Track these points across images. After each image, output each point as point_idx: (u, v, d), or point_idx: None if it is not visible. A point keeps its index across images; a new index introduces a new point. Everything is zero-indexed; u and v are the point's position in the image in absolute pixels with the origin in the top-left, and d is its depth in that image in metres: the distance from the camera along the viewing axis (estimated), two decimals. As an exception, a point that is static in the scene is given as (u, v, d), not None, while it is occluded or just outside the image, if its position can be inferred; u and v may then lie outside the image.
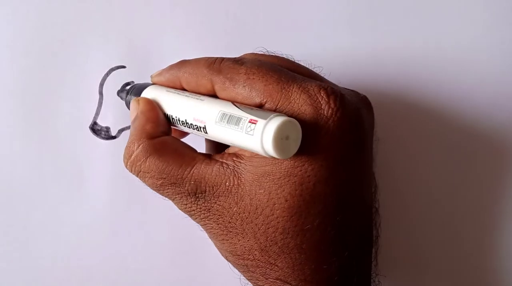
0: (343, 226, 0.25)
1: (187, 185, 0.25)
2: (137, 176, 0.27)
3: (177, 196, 0.26)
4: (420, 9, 0.34)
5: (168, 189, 0.26)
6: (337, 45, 0.35)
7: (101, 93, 0.35)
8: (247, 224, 0.25)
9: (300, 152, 0.23)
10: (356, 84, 0.31)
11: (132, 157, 0.26)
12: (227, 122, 0.24)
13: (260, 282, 0.26)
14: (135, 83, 0.35)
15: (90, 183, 0.35)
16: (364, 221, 0.27)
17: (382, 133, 0.33)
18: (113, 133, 0.35)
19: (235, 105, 0.24)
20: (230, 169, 0.25)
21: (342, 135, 0.24)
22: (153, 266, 0.35)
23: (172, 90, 0.28)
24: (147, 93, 0.29)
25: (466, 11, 0.34)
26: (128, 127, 0.35)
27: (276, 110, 0.23)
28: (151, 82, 0.30)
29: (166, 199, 0.27)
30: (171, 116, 0.27)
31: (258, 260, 0.25)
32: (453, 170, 0.34)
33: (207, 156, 0.26)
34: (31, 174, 0.35)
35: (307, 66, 0.28)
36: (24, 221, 0.35)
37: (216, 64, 0.26)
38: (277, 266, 0.25)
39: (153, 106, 0.28)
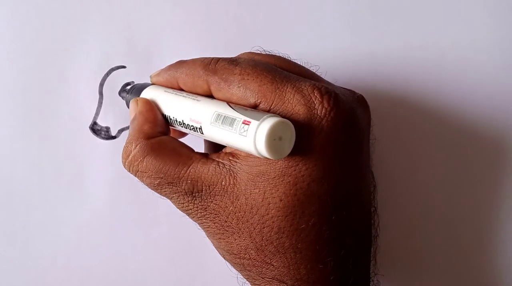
0: (339, 225, 0.25)
1: (183, 184, 0.25)
2: (135, 175, 0.27)
3: (174, 195, 0.26)
4: (419, 8, 0.34)
5: (165, 188, 0.26)
6: (336, 45, 0.35)
7: (101, 93, 0.35)
8: (242, 223, 0.25)
9: (295, 152, 0.23)
10: (353, 84, 0.31)
11: (130, 156, 0.27)
12: (221, 123, 0.24)
13: (256, 281, 0.26)
14: (135, 83, 0.35)
15: (90, 183, 0.35)
16: (361, 221, 0.27)
17: (380, 132, 0.33)
18: (113, 133, 0.35)
19: (229, 106, 0.24)
20: (226, 168, 0.25)
21: (336, 135, 0.24)
22: (153, 266, 0.35)
23: (170, 90, 0.28)
24: (146, 94, 0.29)
25: (466, 11, 0.34)
26: (128, 127, 0.35)
27: (270, 111, 0.24)
28: (150, 83, 0.30)
29: (165, 198, 0.27)
30: (169, 116, 0.27)
31: (254, 260, 0.25)
32: (452, 169, 0.34)
33: (203, 155, 0.26)
34: (31, 174, 0.35)
35: (303, 65, 0.28)
36: (24, 221, 0.35)
37: (211, 65, 0.26)
38: (272, 265, 0.25)
39: (151, 107, 0.28)
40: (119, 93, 0.35)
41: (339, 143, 0.24)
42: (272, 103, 0.24)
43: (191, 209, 0.26)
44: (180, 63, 0.28)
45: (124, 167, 0.27)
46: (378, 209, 0.29)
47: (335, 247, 0.25)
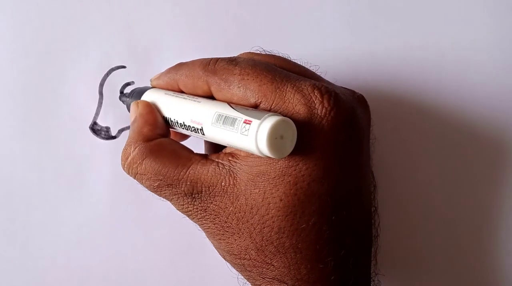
0: (339, 225, 0.25)
1: (183, 185, 0.25)
2: (134, 178, 0.27)
3: (174, 197, 0.26)
4: (419, 8, 0.34)
5: (165, 190, 0.26)
6: (336, 45, 0.35)
7: (101, 93, 0.35)
8: (242, 223, 0.25)
9: (295, 152, 0.23)
10: (353, 83, 0.31)
11: (129, 159, 0.27)
12: (222, 123, 0.24)
13: (257, 281, 0.26)
14: (135, 84, 0.35)
15: (90, 183, 0.35)
16: (362, 221, 0.27)
17: (380, 132, 0.33)
18: (113, 133, 0.35)
19: (230, 106, 0.24)
20: (225, 169, 0.25)
21: (337, 135, 0.24)
22: (153, 266, 0.35)
23: (171, 93, 0.28)
24: (147, 97, 0.29)
25: (466, 11, 0.34)
26: (128, 128, 0.35)
27: (271, 110, 0.24)
28: (150, 86, 0.30)
29: (164, 200, 0.27)
30: (170, 118, 0.27)
31: (255, 260, 0.25)
32: (452, 169, 0.34)
33: (203, 156, 0.26)
34: (31, 174, 0.35)
35: (303, 65, 0.28)
36: (24, 221, 0.35)
37: (211, 66, 0.26)
38: (273, 265, 0.25)
39: (152, 109, 0.28)
40: (120, 97, 0.35)
41: (339, 142, 0.24)
42: (273, 103, 0.24)
43: (191, 210, 0.26)
44: (180, 65, 0.28)
45: (123, 169, 0.27)
46: (378, 208, 0.29)
47: (335, 247, 0.25)
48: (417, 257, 0.35)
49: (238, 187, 0.24)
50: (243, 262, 0.26)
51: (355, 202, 0.26)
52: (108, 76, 0.35)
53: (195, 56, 0.28)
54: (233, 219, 0.25)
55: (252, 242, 0.25)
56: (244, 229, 0.25)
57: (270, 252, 0.25)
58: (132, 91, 0.31)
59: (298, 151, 0.23)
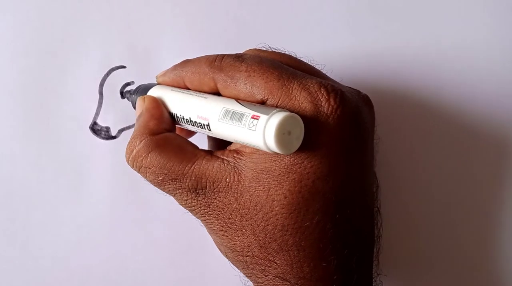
0: (342, 224, 0.25)
1: (187, 180, 0.25)
2: (138, 171, 0.27)
3: (177, 192, 0.26)
4: (419, 8, 0.34)
5: (168, 184, 0.26)
6: (336, 44, 0.35)
7: (101, 93, 0.35)
8: (246, 220, 0.25)
9: (300, 149, 0.23)
10: (357, 83, 0.31)
11: (134, 152, 0.26)
12: (230, 119, 0.24)
13: (259, 279, 0.26)
14: (135, 84, 0.35)
15: (90, 183, 0.35)
16: (365, 220, 0.27)
17: (383, 132, 0.33)
18: (113, 133, 0.35)
19: (238, 102, 0.24)
20: (230, 165, 0.25)
21: (342, 133, 0.24)
22: (153, 266, 0.35)
23: (177, 89, 0.28)
24: (153, 93, 0.29)
25: (466, 10, 0.34)
26: (128, 128, 0.35)
27: (277, 107, 0.23)
28: (156, 83, 0.30)
29: (167, 195, 0.27)
30: (176, 114, 0.27)
31: (257, 257, 0.25)
32: (455, 169, 0.34)
33: (208, 152, 0.26)
34: (31, 174, 0.35)
35: (309, 63, 0.28)
36: (24, 221, 0.35)
37: (217, 62, 0.26)
38: (276, 263, 0.25)
39: (158, 104, 0.28)
40: (125, 94, 0.35)
41: (344, 141, 0.24)
42: (279, 100, 0.24)
43: (194, 206, 0.26)
44: (186, 62, 0.28)
45: (128, 162, 0.27)
46: (380, 209, 0.29)
47: (339, 245, 0.25)
48: (419, 258, 0.35)
49: (242, 183, 0.24)
50: (245, 259, 0.26)
51: (359, 201, 0.26)
52: (108, 76, 0.35)
53: (195, 56, 0.28)
54: (236, 216, 0.25)
55: (255, 239, 0.25)
56: (247, 226, 0.25)
57: (273, 249, 0.25)
58: (137, 87, 0.31)
59: (303, 148, 0.23)
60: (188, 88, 0.28)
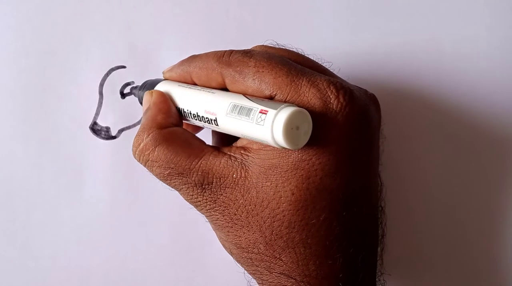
0: (349, 222, 0.25)
1: (194, 175, 0.25)
2: (144, 165, 0.27)
3: (183, 187, 0.26)
4: (420, 8, 0.34)
5: (175, 179, 0.26)
6: (338, 44, 0.35)
7: (101, 93, 0.35)
8: (252, 216, 0.25)
9: (308, 145, 0.23)
10: (363, 83, 0.31)
11: (141, 145, 0.26)
12: (237, 113, 0.24)
13: (264, 276, 0.26)
14: (135, 84, 0.35)
15: (90, 183, 0.35)
16: (370, 219, 0.27)
17: (388, 131, 0.33)
18: (113, 133, 0.35)
19: (246, 97, 0.24)
20: (237, 161, 0.25)
21: (350, 130, 0.24)
22: (153, 266, 0.35)
23: (184, 84, 0.28)
24: (159, 88, 0.29)
25: (466, 10, 0.34)
26: (128, 128, 0.35)
27: (286, 103, 0.23)
28: (162, 78, 0.30)
29: (172, 189, 0.27)
30: (183, 109, 0.27)
31: (263, 254, 0.25)
32: (459, 169, 0.34)
33: (215, 148, 0.26)
34: (31, 174, 0.35)
35: (317, 61, 0.28)
36: (24, 221, 0.35)
37: (225, 57, 0.26)
38: (281, 260, 0.25)
39: (165, 98, 0.28)
40: (131, 90, 0.34)
41: (352, 138, 0.24)
42: (288, 95, 0.24)
43: (200, 201, 0.26)
44: (193, 57, 0.28)
45: (134, 156, 0.27)
46: (385, 208, 0.29)
47: (345, 243, 0.25)
48: (423, 257, 0.35)
49: (249, 179, 0.24)
50: (250, 255, 0.26)
51: (365, 200, 0.26)
52: (108, 76, 0.35)
53: (196, 56, 0.28)
54: (243, 212, 0.25)
55: (261, 236, 0.25)
56: (253, 222, 0.25)
57: (279, 246, 0.25)
58: (144, 83, 0.31)
59: (312, 144, 0.23)
60: (195, 84, 0.28)
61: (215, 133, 0.30)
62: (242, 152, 0.25)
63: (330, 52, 0.34)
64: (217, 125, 0.25)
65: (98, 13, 0.35)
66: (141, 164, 0.27)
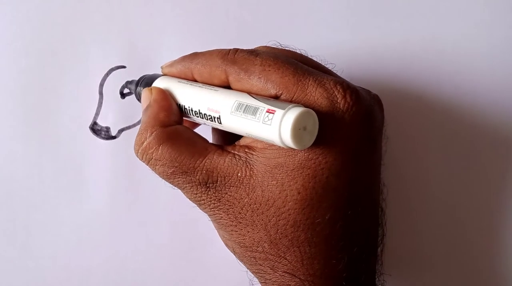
0: (353, 221, 0.25)
1: (198, 174, 0.25)
2: (147, 163, 0.27)
3: (187, 185, 0.26)
4: (424, 7, 0.34)
5: (178, 177, 0.26)
6: (338, 44, 0.35)
7: (101, 93, 0.35)
8: (257, 215, 0.25)
9: (315, 144, 0.23)
10: (363, 83, 0.31)
11: (144, 144, 0.26)
12: (243, 112, 0.24)
13: (267, 275, 0.26)
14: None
15: (90, 183, 0.35)
16: (372, 219, 0.27)
17: (389, 131, 0.33)
18: (113, 133, 0.35)
19: (251, 95, 0.24)
20: (242, 160, 0.25)
21: (357, 130, 0.24)
22: (153, 266, 0.35)
23: (184, 81, 0.28)
24: (158, 84, 0.29)
25: (467, 10, 0.34)
26: (128, 128, 0.35)
27: (292, 102, 0.23)
28: (160, 73, 0.30)
29: (175, 188, 0.27)
30: (184, 106, 0.27)
31: (267, 253, 0.25)
32: (460, 169, 0.34)
33: (219, 147, 0.26)
34: (31, 174, 0.35)
35: (320, 62, 0.28)
36: (24, 221, 0.35)
37: (230, 55, 0.26)
38: (286, 259, 0.25)
39: (166, 95, 0.28)
40: (126, 85, 0.34)
41: (358, 138, 0.24)
42: (294, 95, 0.24)
43: (204, 200, 0.26)
44: (195, 54, 0.27)
45: (137, 154, 0.27)
46: (385, 208, 0.30)
47: (349, 243, 0.25)
48: (423, 257, 0.35)
49: (254, 178, 0.24)
50: (254, 254, 0.26)
51: (368, 199, 0.26)
52: (108, 76, 0.35)
53: (195, 56, 0.28)
54: (247, 210, 0.25)
55: (266, 235, 0.25)
56: (258, 221, 0.25)
57: (284, 245, 0.25)
58: (141, 78, 0.30)
59: (318, 143, 0.23)
60: (195, 81, 0.28)
61: (216, 132, 0.30)
62: (246, 150, 0.25)
63: (330, 52, 0.34)
64: (220, 123, 0.25)
65: (98, 13, 0.35)
66: (144, 162, 0.27)
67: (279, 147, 0.23)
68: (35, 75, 0.35)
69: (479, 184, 0.34)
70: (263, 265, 0.26)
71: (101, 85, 0.35)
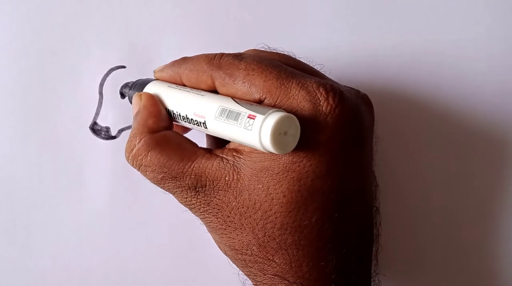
0: (341, 223, 0.25)
1: (187, 179, 0.25)
2: (138, 170, 0.27)
3: (177, 190, 0.26)
4: (423, 7, 0.34)
5: (168, 183, 0.26)
6: (337, 44, 0.35)
7: (101, 93, 0.35)
8: (245, 218, 0.25)
9: (299, 148, 0.23)
10: (356, 83, 0.31)
11: (134, 150, 0.26)
12: (226, 118, 0.24)
13: (258, 278, 0.26)
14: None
15: (90, 183, 0.35)
16: (364, 219, 0.27)
17: (382, 131, 0.33)
18: (113, 133, 0.35)
19: (234, 100, 0.24)
20: (230, 163, 0.25)
21: (341, 132, 0.24)
22: (153, 266, 0.35)
23: (174, 85, 0.28)
24: (150, 89, 0.29)
25: (467, 9, 0.34)
26: (128, 127, 0.35)
27: (275, 106, 0.24)
28: (153, 78, 0.30)
29: (166, 192, 0.27)
30: (172, 111, 0.27)
31: (256, 256, 0.25)
32: (454, 168, 0.34)
33: (207, 151, 0.26)
34: (31, 174, 0.35)
35: (308, 63, 0.28)
36: (24, 221, 0.35)
37: (216, 60, 0.26)
38: (274, 262, 0.25)
39: (155, 101, 0.28)
40: (121, 88, 0.34)
41: (343, 140, 0.24)
42: (277, 99, 0.24)
43: (194, 204, 0.26)
44: (184, 59, 0.28)
45: (127, 161, 0.27)
46: (380, 208, 0.29)
47: (337, 245, 0.25)
48: (418, 257, 0.35)
49: (241, 182, 0.25)
50: (244, 257, 0.26)
51: (358, 201, 0.26)
52: (108, 76, 0.35)
53: (195, 56, 0.28)
54: (235, 214, 0.25)
55: (254, 238, 0.25)
56: (246, 224, 0.25)
57: (272, 248, 0.25)
58: (135, 82, 0.31)
59: (302, 147, 0.23)
60: (185, 85, 0.28)
61: (209, 135, 0.30)
62: (234, 154, 0.25)
63: (330, 52, 0.34)
64: (206, 128, 0.25)
65: (98, 13, 0.35)
66: (135, 168, 0.27)
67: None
68: (35, 75, 0.35)
69: (474, 183, 0.34)
70: (253, 267, 0.26)
71: (101, 85, 0.35)
